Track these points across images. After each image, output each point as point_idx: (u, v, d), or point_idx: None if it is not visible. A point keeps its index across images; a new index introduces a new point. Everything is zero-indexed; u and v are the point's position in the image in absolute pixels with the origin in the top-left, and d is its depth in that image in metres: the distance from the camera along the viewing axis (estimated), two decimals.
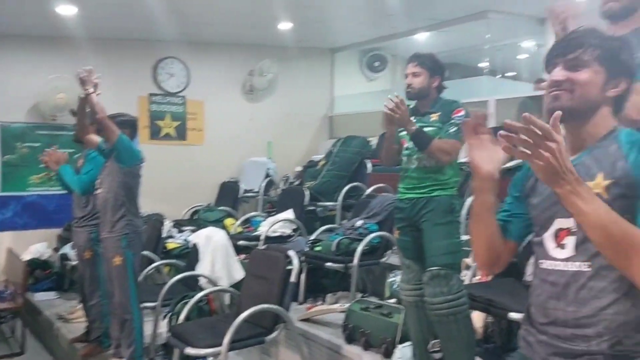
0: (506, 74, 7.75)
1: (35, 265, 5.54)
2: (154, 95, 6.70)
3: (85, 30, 5.47)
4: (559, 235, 1.27)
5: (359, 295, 3.96)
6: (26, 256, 5.58)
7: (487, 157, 1.32)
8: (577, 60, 1.25)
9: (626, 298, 1.17)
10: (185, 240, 5.16)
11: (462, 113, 2.69)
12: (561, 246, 1.26)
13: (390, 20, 6.38)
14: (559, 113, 1.10)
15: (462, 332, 2.64)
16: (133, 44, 6.42)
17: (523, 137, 1.07)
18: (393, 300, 3.53)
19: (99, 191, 3.55)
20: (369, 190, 5.06)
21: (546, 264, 1.29)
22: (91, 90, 3.33)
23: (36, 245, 5.77)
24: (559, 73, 1.27)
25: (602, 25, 1.91)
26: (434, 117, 2.77)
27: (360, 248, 3.74)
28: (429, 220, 2.72)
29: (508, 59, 7.82)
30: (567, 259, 1.25)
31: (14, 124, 5.88)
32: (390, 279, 3.87)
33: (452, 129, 2.69)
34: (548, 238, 1.29)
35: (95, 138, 3.66)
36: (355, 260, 3.73)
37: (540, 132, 1.06)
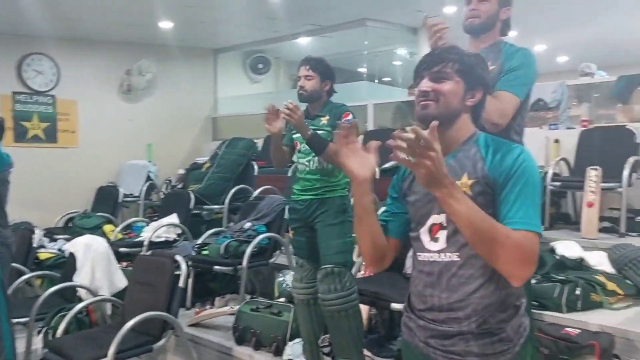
0: (383, 79, 8.20)
1: None
2: (18, 94, 6.19)
3: None
4: (432, 230, 1.43)
5: (249, 296, 3.99)
6: None
7: (360, 163, 1.44)
8: (441, 73, 1.42)
9: (490, 282, 1.35)
10: (59, 249, 4.84)
11: (350, 117, 2.77)
12: (435, 239, 1.42)
13: (274, 24, 6.49)
14: (436, 123, 1.23)
15: (352, 326, 2.77)
16: None
17: (408, 146, 1.20)
18: (282, 300, 3.61)
19: None
20: (256, 192, 5.10)
21: (422, 256, 1.45)
22: None
23: None
24: (425, 84, 1.43)
25: (465, 40, 2.14)
26: (324, 120, 2.84)
27: (249, 250, 3.77)
28: (322, 220, 2.81)
29: (384, 65, 8.29)
30: (440, 251, 1.40)
31: None
32: (280, 279, 3.94)
33: None
34: (424, 233, 1.45)
35: None
36: (245, 262, 3.76)
37: (423, 143, 1.20)
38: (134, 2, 5.32)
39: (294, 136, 2.93)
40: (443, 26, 1.93)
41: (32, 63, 6.23)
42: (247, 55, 8.01)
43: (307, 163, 2.87)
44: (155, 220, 5.17)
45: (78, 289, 3.86)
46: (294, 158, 2.99)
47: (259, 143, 6.10)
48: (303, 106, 2.86)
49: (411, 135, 1.19)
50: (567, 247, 3.31)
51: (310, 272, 2.89)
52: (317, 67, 2.84)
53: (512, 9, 2.18)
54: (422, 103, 1.42)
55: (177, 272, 3.18)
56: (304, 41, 7.31)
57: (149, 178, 6.50)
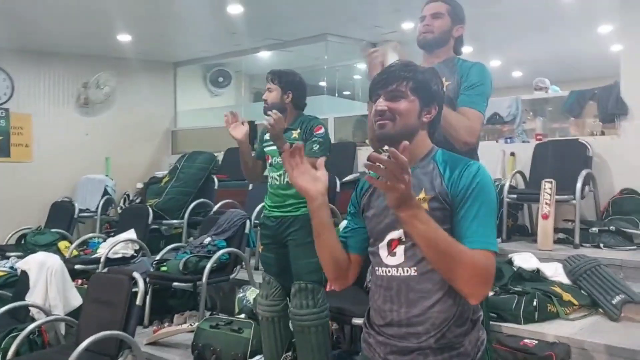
0: (343, 93, 8.27)
1: None
2: None
3: None
4: (391, 245, 1.43)
5: (209, 313, 3.92)
6: None
7: (311, 179, 1.46)
8: (396, 91, 1.44)
9: (448, 297, 1.36)
10: (11, 267, 4.64)
11: (322, 131, 2.75)
12: (392, 254, 1.42)
13: (234, 38, 6.48)
14: (406, 143, 1.24)
15: (320, 343, 2.75)
16: None
17: (385, 168, 1.20)
18: (243, 316, 3.56)
19: None
20: (216, 207, 5.03)
21: (381, 271, 1.45)
22: None
23: None
24: (381, 104, 1.44)
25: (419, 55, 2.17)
26: (295, 133, 2.79)
27: (209, 265, 3.71)
28: (294, 239, 2.75)
29: (344, 79, 8.37)
30: (397, 265, 1.41)
31: None
32: (240, 295, 3.89)
33: (316, 147, 2.72)
34: (382, 247, 1.45)
35: None
36: (204, 278, 3.69)
37: (398, 166, 1.20)
38: (91, 14, 5.22)
39: (266, 149, 2.89)
40: (377, 55, 1.94)
41: None
42: (208, 68, 7.96)
43: (277, 177, 2.82)
44: (112, 236, 5.03)
45: (31, 308, 3.72)
46: (266, 172, 2.93)
47: (220, 156, 6.05)
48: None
49: (386, 158, 1.20)
50: (524, 259, 3.38)
51: (277, 290, 2.84)
52: (278, 79, 2.82)
53: (464, 27, 2.23)
54: (379, 122, 1.44)
55: (134, 289, 3.10)
56: (265, 55, 7.32)
57: (106, 192, 6.34)
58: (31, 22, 5.33)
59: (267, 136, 2.85)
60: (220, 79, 8.02)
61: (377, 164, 1.19)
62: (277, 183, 2.82)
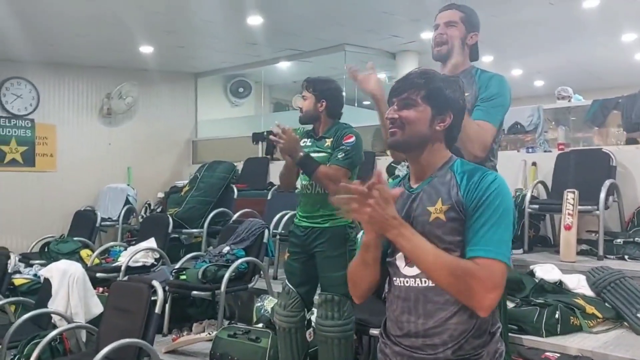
0: (363, 103, 8.27)
1: None
2: None
3: None
4: None
5: (227, 322, 3.93)
6: None
7: (369, 222, 1.42)
8: (408, 99, 1.43)
9: (466, 308, 1.34)
10: (35, 275, 4.73)
11: (352, 140, 2.70)
12: (410, 265, 1.41)
13: (254, 49, 6.54)
14: (379, 171, 1.31)
15: (342, 355, 2.71)
16: None
17: (348, 199, 1.29)
18: (261, 325, 3.56)
19: None
20: (235, 216, 5.06)
21: (399, 281, 1.44)
22: None
23: None
24: (391, 112, 1.44)
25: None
26: (328, 142, 2.76)
27: (227, 274, 3.72)
28: (322, 251, 2.72)
29: None
30: (415, 276, 1.40)
31: None
32: (258, 304, 3.89)
33: (340, 155, 2.65)
34: (400, 258, 1.44)
35: None
36: (223, 287, 3.70)
37: (357, 195, 1.27)
38: (114, 27, 5.32)
39: None
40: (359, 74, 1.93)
41: (11, 87, 6.19)
42: (228, 79, 8.04)
43: (310, 186, 2.77)
44: (133, 244, 5.09)
45: (53, 315, 3.77)
46: (299, 181, 2.89)
47: (239, 166, 6.09)
48: (307, 127, 2.81)
49: (346, 195, 1.29)
50: (546, 271, 3.32)
51: (295, 301, 2.80)
52: (312, 87, 2.79)
53: (478, 34, 2.20)
54: (390, 130, 1.45)
55: (154, 298, 3.12)
56: (284, 65, 7.37)
57: (127, 202, 6.43)
58: (56, 35, 5.46)
59: (301, 143, 2.78)
60: (241, 90, 8.09)
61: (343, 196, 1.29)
62: (309, 192, 2.78)
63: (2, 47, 5.41)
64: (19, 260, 5.15)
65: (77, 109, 6.66)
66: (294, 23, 5.71)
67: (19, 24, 4.86)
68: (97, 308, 3.95)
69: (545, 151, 4.74)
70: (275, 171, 5.36)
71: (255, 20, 5.42)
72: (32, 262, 5.21)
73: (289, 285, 2.86)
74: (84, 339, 3.73)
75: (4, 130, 6.18)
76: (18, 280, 4.70)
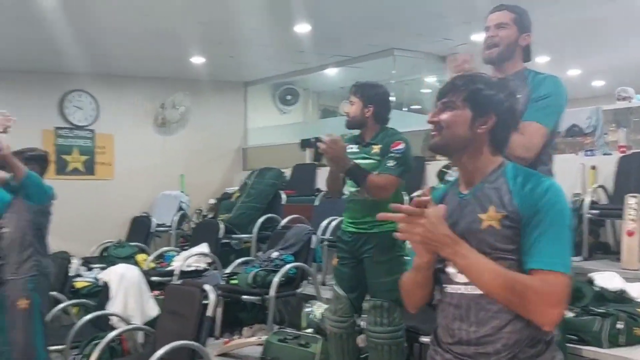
0: (412, 107, 8.19)
1: None
2: (60, 129, 6.44)
3: None
4: None
5: (277, 326, 3.96)
6: None
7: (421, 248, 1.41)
8: (448, 102, 1.41)
9: (520, 318, 1.29)
10: (94, 278, 4.92)
11: (401, 146, 2.65)
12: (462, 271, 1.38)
13: (301, 56, 6.59)
14: (427, 190, 1.33)
15: None
16: (38, 76, 6.17)
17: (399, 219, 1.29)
18: (310, 330, 3.57)
19: (3, 230, 3.33)
20: (283, 222, 5.10)
21: (450, 288, 1.40)
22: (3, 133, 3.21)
23: None
24: (431, 114, 1.43)
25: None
26: (375, 148, 2.73)
27: (277, 279, 3.76)
28: (370, 257, 2.71)
29: (413, 93, 8.29)
30: (467, 283, 1.36)
31: None
32: (307, 309, 3.90)
33: (390, 163, 2.61)
34: (451, 264, 1.40)
35: (2, 174, 3.43)
36: (272, 292, 3.74)
37: (408, 215, 1.27)
38: (167, 39, 5.50)
39: None
40: (464, 64, 1.90)
41: (73, 99, 6.49)
42: (276, 87, 8.14)
43: (357, 193, 2.75)
44: (186, 249, 5.22)
45: (111, 317, 3.91)
46: (345, 187, 2.88)
47: (288, 172, 6.14)
48: (354, 133, 2.80)
49: (399, 214, 1.29)
50: (606, 279, 3.17)
51: (346, 306, 2.79)
52: (360, 93, 2.77)
53: (531, 35, 2.14)
54: (431, 133, 1.44)
55: (205, 302, 3.18)
56: (332, 72, 7.39)
57: (180, 208, 6.60)
58: (114, 49, 5.68)
59: (348, 149, 2.73)
60: (289, 97, 8.18)
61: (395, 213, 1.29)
62: (356, 198, 2.77)
63: (64, 61, 5.68)
64: (80, 264, 5.38)
65: (133, 119, 6.90)
66: (342, 29, 5.73)
67: (80, 40, 5.09)
68: (153, 310, 4.07)
69: (604, 154, 4.54)
70: (322, 177, 5.37)
71: (302, 28, 5.48)
72: (91, 266, 5.42)
73: (339, 290, 2.84)
74: (141, 341, 3.85)
75: (67, 141, 6.48)
76: (79, 283, 4.90)
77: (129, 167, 6.76)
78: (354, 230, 2.78)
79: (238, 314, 4.37)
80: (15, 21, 4.65)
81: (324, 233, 4.47)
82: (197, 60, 6.35)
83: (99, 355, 3.22)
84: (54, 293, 4.01)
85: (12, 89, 5.72)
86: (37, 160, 3.49)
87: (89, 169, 6.61)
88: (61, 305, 4.07)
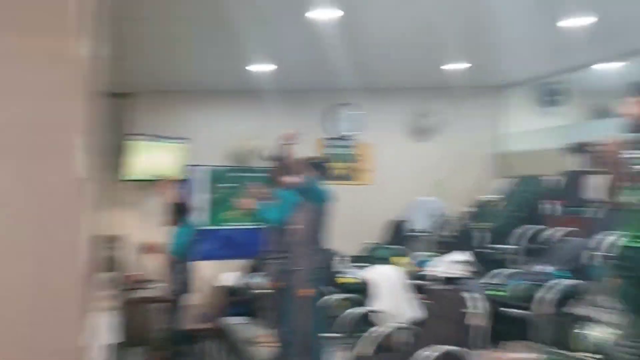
0: None
1: (228, 291, 6.09)
2: (328, 139, 7.18)
3: (274, 83, 5.98)
4: None
5: (541, 345, 3.73)
6: (220, 283, 6.19)
7: None
8: None
9: None
10: (355, 275, 5.29)
11: None
12: None
13: (566, 53, 6.07)
14: None
15: None
16: (312, 93, 6.97)
17: None
18: (587, 354, 3.27)
19: (293, 227, 3.88)
20: (552, 234, 4.75)
21: None
22: (293, 145, 3.87)
23: (229, 273, 6.35)
24: None
25: None
26: None
27: (548, 295, 3.54)
28: None
29: None
30: None
31: (219, 168, 6.68)
32: (579, 330, 3.59)
33: None
34: None
35: (295, 179, 3.99)
36: (542, 308, 3.53)
37: None
38: (424, 48, 5.65)
39: None
40: None
41: (341, 112, 7.17)
42: (536, 87, 7.66)
43: None
44: (443, 255, 5.27)
45: (375, 313, 4.18)
46: (625, 196, 2.61)
47: (550, 179, 5.72)
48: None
49: None
50: None
51: (638, 330, 2.54)
52: None
53: None
54: None
55: (474, 310, 3.18)
56: (604, 68, 6.65)
57: (436, 214, 6.71)
58: (375, 62, 6.04)
59: (631, 154, 2.53)
60: (551, 98, 7.63)
61: None
62: None
63: (335, 78, 6.29)
64: (342, 261, 5.85)
65: (391, 128, 7.30)
66: (619, 21, 5.11)
67: (349, 56, 5.57)
68: (414, 311, 4.24)
69: None
70: (597, 186, 4.88)
71: (573, 22, 5.03)
72: (353, 264, 5.86)
73: (627, 312, 2.59)
74: (404, 339, 4.03)
75: (334, 150, 7.19)
76: (341, 279, 5.34)
77: (386, 174, 7.15)
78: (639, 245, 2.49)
79: (495, 326, 4.24)
80: (302, 46, 5.30)
81: (600, 248, 4.05)
82: (454, 67, 6.38)
83: (376, 347, 3.46)
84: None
85: (292, 106, 6.53)
86: (317, 166, 3.98)
87: (351, 175, 7.18)
88: (334, 297, 4.49)
